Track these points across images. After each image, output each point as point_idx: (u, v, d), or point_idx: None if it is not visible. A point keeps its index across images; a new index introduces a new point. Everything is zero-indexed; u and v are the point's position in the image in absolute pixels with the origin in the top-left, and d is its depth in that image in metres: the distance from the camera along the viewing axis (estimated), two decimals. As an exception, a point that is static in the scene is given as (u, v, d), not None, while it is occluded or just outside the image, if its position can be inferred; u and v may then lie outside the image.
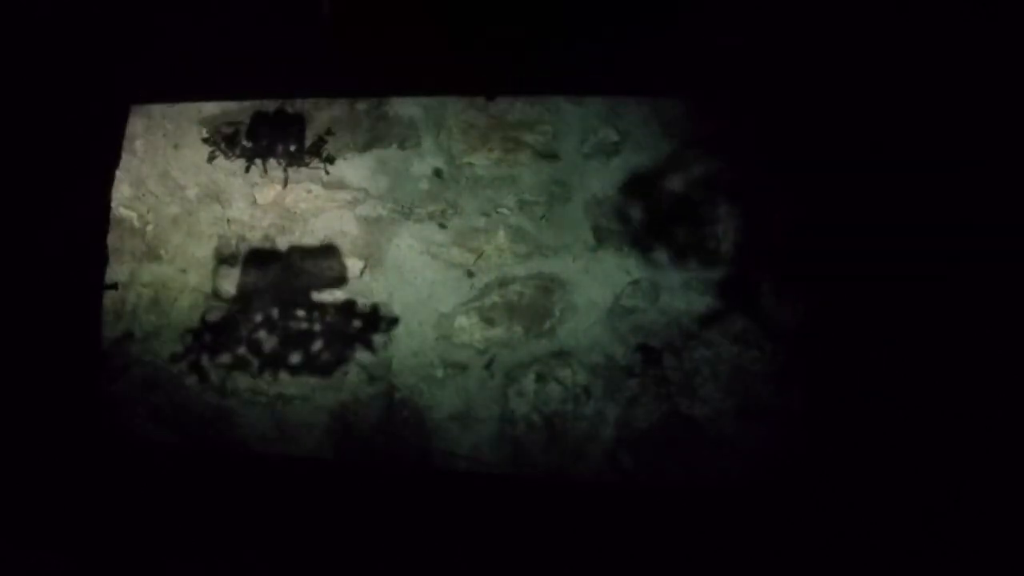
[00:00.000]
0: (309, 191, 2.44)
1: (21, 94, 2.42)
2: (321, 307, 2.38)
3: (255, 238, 2.46)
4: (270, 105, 2.50)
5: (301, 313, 2.38)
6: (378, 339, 2.34)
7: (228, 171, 2.49)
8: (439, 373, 2.31)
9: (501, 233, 2.33)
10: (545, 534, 2.14)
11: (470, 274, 2.30)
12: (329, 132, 2.46)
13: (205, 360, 2.41)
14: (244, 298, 2.43)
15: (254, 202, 2.47)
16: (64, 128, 2.46)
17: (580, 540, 2.12)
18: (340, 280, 2.38)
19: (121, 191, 2.53)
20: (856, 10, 2.14)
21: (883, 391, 2.09)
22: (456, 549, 2.13)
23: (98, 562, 2.08)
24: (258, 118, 2.50)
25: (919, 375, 2.07)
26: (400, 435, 2.31)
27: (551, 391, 2.25)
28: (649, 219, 2.27)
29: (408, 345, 2.33)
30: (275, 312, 2.40)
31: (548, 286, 2.29)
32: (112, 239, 2.50)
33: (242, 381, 2.39)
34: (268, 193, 2.46)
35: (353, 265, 2.39)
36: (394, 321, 2.33)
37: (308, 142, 2.47)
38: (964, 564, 1.96)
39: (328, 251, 2.40)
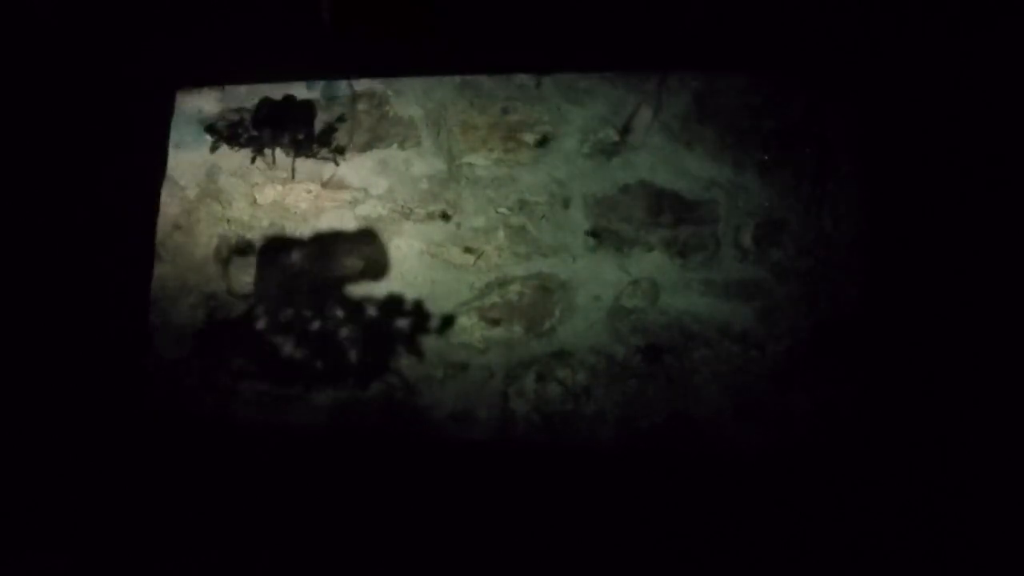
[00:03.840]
0: (309, 191, 2.44)
1: (61, 80, 2.41)
2: (355, 304, 2.28)
3: (266, 227, 2.35)
4: (277, 92, 2.43)
5: (330, 312, 2.27)
6: (427, 341, 2.25)
7: (228, 171, 2.49)
8: (439, 373, 2.31)
9: (501, 233, 2.33)
10: (544, 533, 2.14)
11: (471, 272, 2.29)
12: (341, 119, 2.37)
13: (210, 365, 2.38)
14: (260, 294, 2.35)
15: (254, 202, 2.46)
16: (108, 113, 2.44)
17: (581, 541, 2.12)
18: (379, 271, 2.28)
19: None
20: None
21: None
22: (456, 546, 2.13)
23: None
24: (264, 105, 2.41)
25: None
26: (400, 435, 2.30)
27: (551, 391, 2.25)
28: (649, 219, 2.27)
29: (408, 345, 2.33)
30: (296, 312, 2.30)
31: (548, 286, 2.29)
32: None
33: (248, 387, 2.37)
34: (268, 193, 2.46)
35: (353, 264, 2.38)
36: (450, 320, 2.20)
37: (317, 130, 2.41)
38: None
39: (364, 237, 2.23)
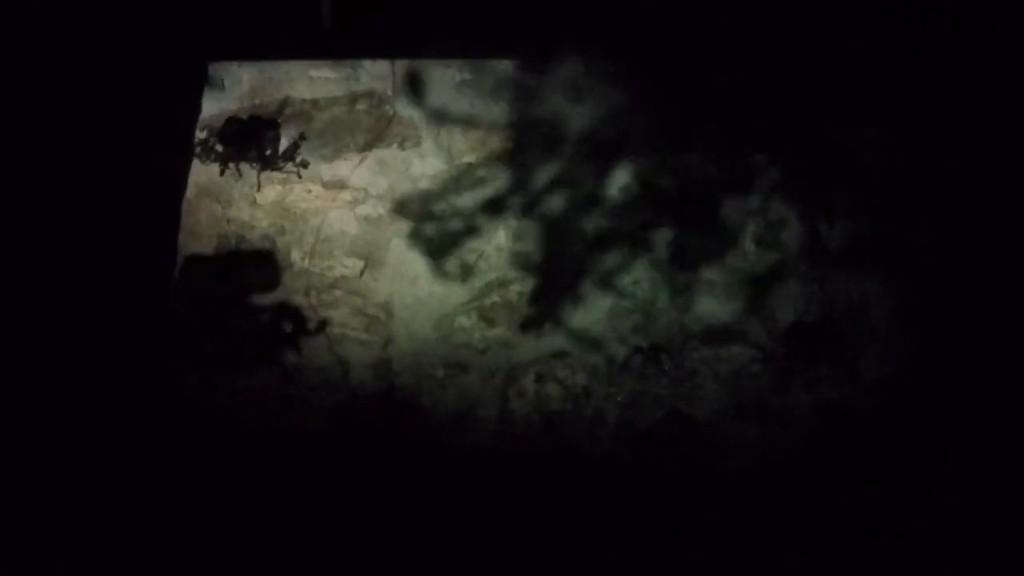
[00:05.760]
0: (309, 191, 2.44)
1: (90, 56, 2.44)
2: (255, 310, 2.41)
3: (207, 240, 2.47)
4: (243, 112, 2.49)
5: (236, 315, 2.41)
6: (306, 342, 2.36)
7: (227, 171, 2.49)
8: (439, 373, 2.31)
9: (501, 233, 2.33)
10: (544, 534, 2.14)
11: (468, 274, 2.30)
12: (303, 137, 2.44)
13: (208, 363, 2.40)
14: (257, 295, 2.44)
15: (254, 202, 2.46)
16: (137, 89, 2.47)
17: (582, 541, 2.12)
18: (273, 284, 2.41)
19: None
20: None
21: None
22: (456, 547, 2.13)
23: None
24: (231, 123, 2.49)
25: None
26: (400, 435, 2.30)
27: (551, 391, 2.25)
28: (649, 218, 2.27)
29: (408, 345, 2.33)
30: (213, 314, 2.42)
31: (548, 286, 2.29)
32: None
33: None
34: (268, 193, 2.46)
35: (353, 264, 2.39)
36: (323, 324, 2.34)
37: (283, 147, 2.45)
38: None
39: (262, 254, 2.43)
